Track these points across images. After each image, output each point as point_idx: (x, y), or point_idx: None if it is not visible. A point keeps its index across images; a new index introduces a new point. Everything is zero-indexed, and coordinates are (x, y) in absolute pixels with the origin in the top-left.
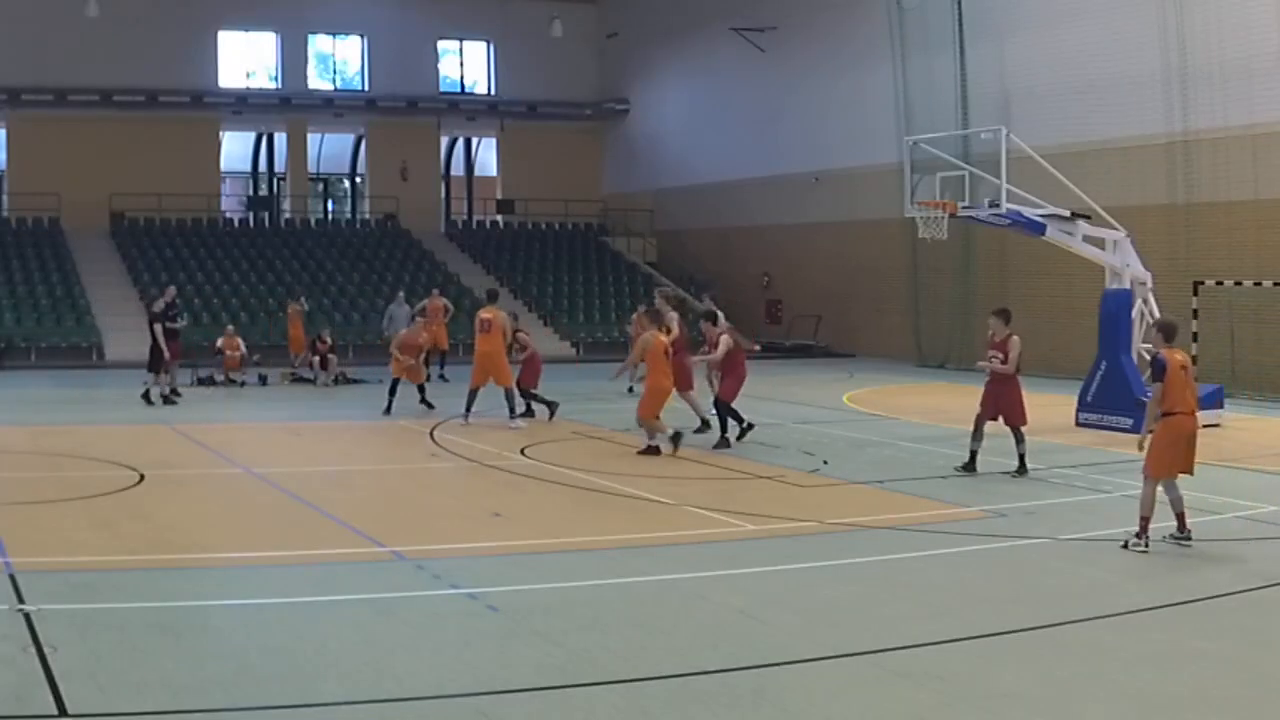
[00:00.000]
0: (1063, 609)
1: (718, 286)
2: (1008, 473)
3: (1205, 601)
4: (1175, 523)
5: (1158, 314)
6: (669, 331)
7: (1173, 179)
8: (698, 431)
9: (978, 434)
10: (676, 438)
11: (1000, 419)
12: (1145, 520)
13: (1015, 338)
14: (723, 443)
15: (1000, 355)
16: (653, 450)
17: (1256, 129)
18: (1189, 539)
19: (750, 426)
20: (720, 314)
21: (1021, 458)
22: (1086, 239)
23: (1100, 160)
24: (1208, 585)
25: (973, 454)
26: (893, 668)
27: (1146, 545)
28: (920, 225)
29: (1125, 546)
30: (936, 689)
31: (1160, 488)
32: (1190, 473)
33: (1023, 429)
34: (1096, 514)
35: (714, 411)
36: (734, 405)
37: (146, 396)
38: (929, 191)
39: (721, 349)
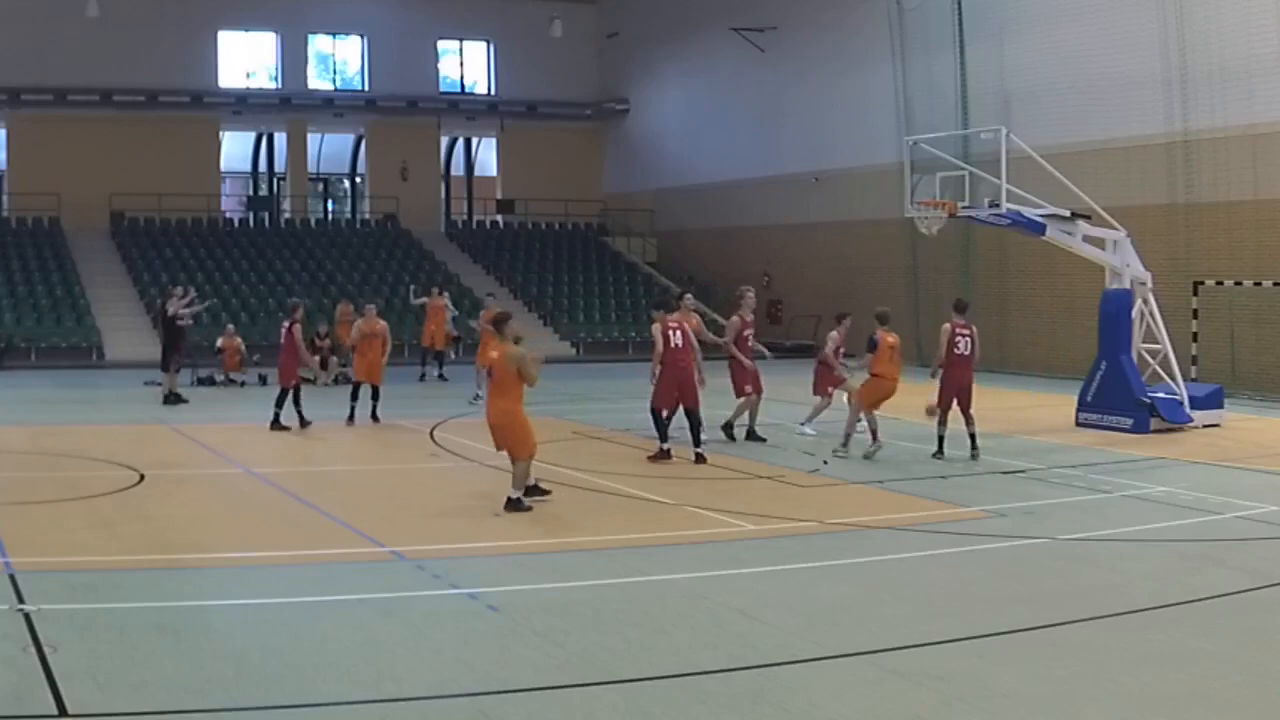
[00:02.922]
0: (1063, 609)
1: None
2: (1010, 472)
3: (1205, 601)
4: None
5: (1158, 314)
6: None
7: (1173, 179)
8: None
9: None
10: (512, 503)
11: None
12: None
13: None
14: (660, 454)
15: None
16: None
17: (1256, 129)
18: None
19: (667, 452)
20: (662, 309)
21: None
22: (1086, 239)
23: (1100, 160)
24: (1208, 585)
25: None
26: (893, 668)
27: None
28: (918, 221)
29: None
30: (936, 689)
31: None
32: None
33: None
34: (1096, 514)
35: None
36: (663, 415)
37: (170, 396)
38: (929, 191)
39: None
